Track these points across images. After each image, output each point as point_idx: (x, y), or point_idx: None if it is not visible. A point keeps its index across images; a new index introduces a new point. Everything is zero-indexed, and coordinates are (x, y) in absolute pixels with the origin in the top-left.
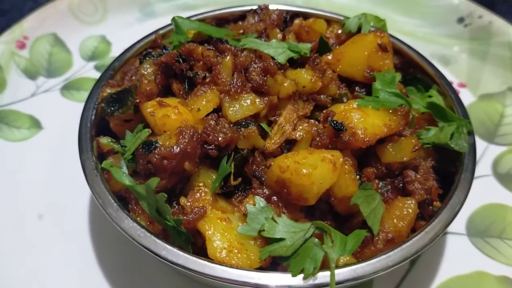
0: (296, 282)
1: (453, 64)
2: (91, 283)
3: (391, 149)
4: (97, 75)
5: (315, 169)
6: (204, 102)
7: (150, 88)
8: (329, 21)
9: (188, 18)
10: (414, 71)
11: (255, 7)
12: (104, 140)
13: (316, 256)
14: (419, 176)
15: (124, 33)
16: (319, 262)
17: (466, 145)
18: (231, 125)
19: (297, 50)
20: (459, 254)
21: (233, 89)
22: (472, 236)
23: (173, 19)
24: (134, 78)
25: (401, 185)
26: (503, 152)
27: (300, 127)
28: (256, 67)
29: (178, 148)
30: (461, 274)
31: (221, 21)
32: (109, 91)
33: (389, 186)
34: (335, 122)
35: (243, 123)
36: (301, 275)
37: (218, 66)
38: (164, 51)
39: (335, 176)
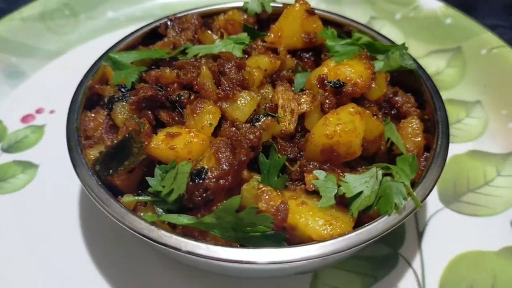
0: (392, 220)
1: None
2: None
3: (375, 86)
4: (11, 157)
5: (354, 123)
6: (210, 116)
7: (147, 127)
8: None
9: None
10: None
11: (162, 22)
12: (129, 199)
13: (399, 189)
14: (404, 98)
15: (5, 104)
16: (405, 193)
17: (413, 62)
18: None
19: (241, 41)
20: None
21: (230, 93)
22: None
23: (108, 57)
24: (107, 130)
25: (393, 111)
26: None
27: (303, 100)
28: (230, 66)
29: (226, 163)
30: None
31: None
32: (93, 152)
33: (386, 117)
34: (333, 82)
35: (253, 119)
36: (394, 211)
37: (197, 80)
38: (122, 89)
39: (364, 124)
